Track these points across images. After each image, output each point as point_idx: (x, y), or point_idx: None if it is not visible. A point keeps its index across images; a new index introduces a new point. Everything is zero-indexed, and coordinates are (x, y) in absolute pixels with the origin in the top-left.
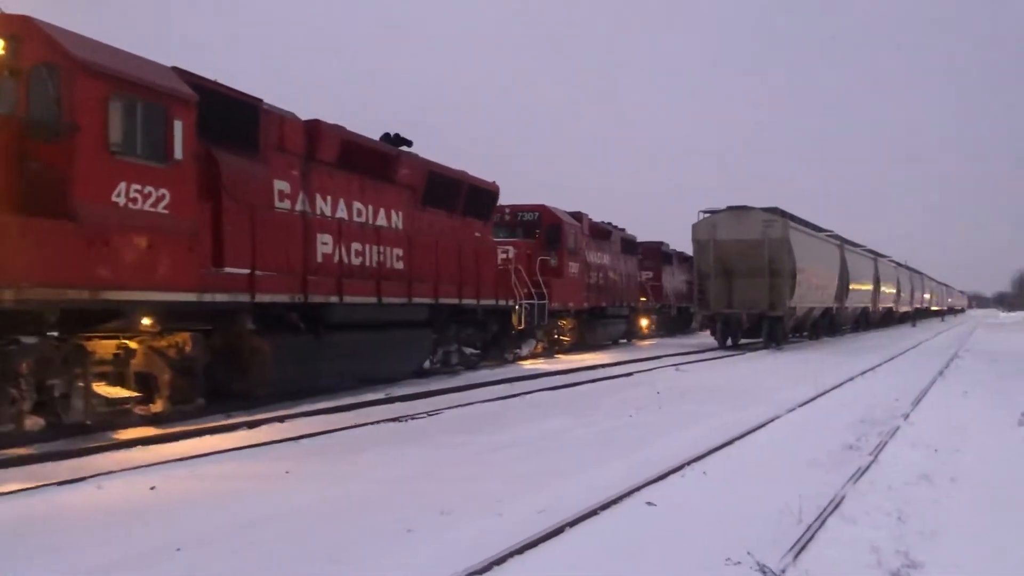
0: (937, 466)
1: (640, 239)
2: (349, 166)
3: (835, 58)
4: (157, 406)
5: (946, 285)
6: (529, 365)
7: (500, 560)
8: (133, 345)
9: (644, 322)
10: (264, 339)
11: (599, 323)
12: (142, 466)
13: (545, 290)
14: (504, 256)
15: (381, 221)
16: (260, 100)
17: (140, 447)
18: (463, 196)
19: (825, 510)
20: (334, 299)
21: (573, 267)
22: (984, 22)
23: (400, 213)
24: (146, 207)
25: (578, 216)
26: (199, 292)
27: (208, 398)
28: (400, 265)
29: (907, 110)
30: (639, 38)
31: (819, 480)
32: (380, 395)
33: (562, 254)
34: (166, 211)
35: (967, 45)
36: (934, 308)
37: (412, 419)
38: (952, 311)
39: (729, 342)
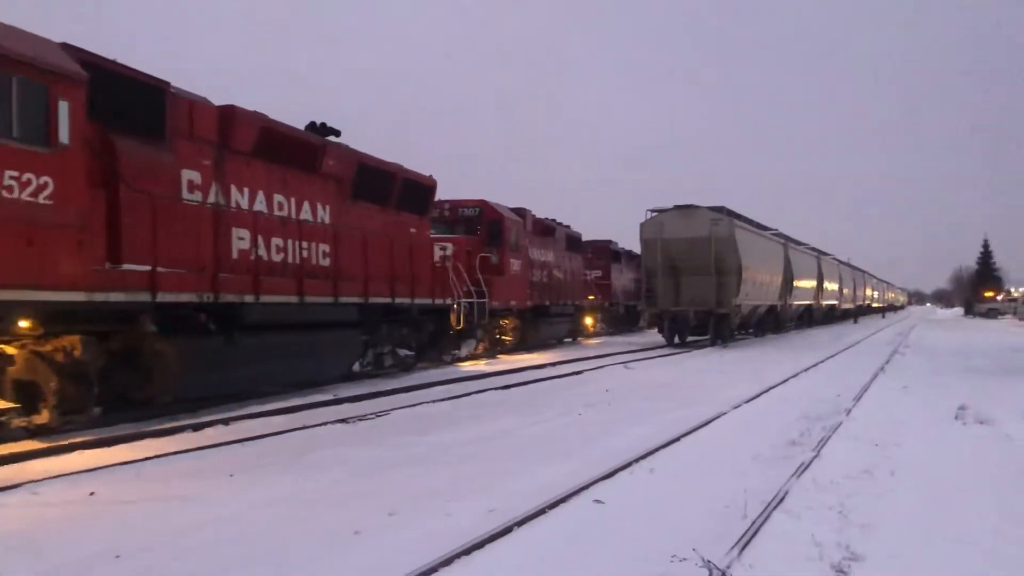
0: (878, 460)
1: (589, 238)
2: (269, 156)
3: (782, 61)
4: (42, 417)
5: (887, 282)
6: (470, 366)
7: (447, 561)
8: (11, 350)
9: (589, 321)
10: (168, 342)
11: (543, 322)
12: (80, 471)
13: (486, 288)
14: (442, 253)
15: (305, 215)
16: (167, 83)
17: (79, 451)
18: (397, 190)
19: (769, 505)
20: (249, 298)
21: (515, 264)
22: (925, 23)
23: (327, 207)
24: (24, 196)
25: (521, 212)
26: (89, 291)
27: (112, 407)
28: (326, 262)
29: (849, 112)
30: (587, 37)
31: (763, 476)
32: (327, 396)
33: (504, 251)
34: (49, 201)
35: (910, 46)
36: (875, 305)
37: (360, 420)
38: (893, 308)
39: (677, 339)
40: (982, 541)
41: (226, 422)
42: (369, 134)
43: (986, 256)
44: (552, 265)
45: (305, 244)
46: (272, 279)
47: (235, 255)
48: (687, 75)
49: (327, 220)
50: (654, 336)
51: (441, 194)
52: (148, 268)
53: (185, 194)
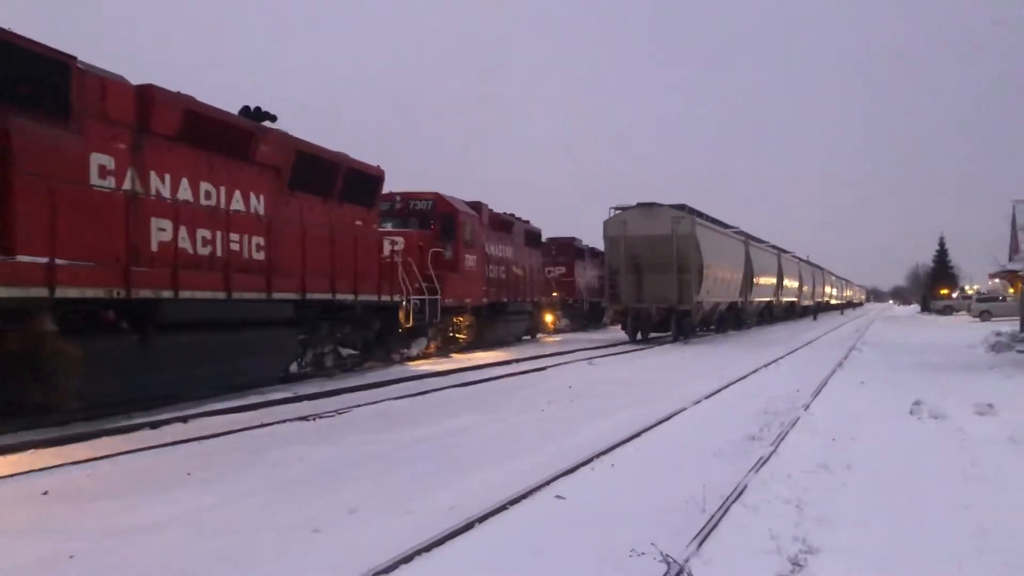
0: (834, 455)
1: (554, 235)
2: (196, 141)
3: (744, 60)
4: None
5: (846, 280)
6: (425, 365)
7: (407, 558)
8: None
9: (549, 318)
10: (72, 342)
11: (500, 320)
12: (34, 470)
13: (438, 284)
14: (392, 248)
15: (236, 205)
16: (72, 58)
17: (32, 451)
18: (340, 180)
19: (728, 499)
20: (168, 294)
21: (470, 260)
22: (891, 26)
23: (261, 197)
24: None
25: (477, 206)
26: None
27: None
28: (260, 256)
29: (810, 112)
30: (549, 35)
31: (723, 470)
32: (287, 394)
33: (458, 246)
34: None
35: (874, 47)
36: (834, 302)
37: (320, 417)
38: (851, 305)
39: (640, 336)
40: (934, 532)
41: (184, 420)
42: (334, 131)
43: (942, 255)
44: (510, 261)
45: (236, 236)
46: (196, 273)
47: (155, 247)
48: (651, 75)
49: (261, 211)
50: (617, 333)
51: (402, 188)
52: (45, 260)
53: (95, 180)
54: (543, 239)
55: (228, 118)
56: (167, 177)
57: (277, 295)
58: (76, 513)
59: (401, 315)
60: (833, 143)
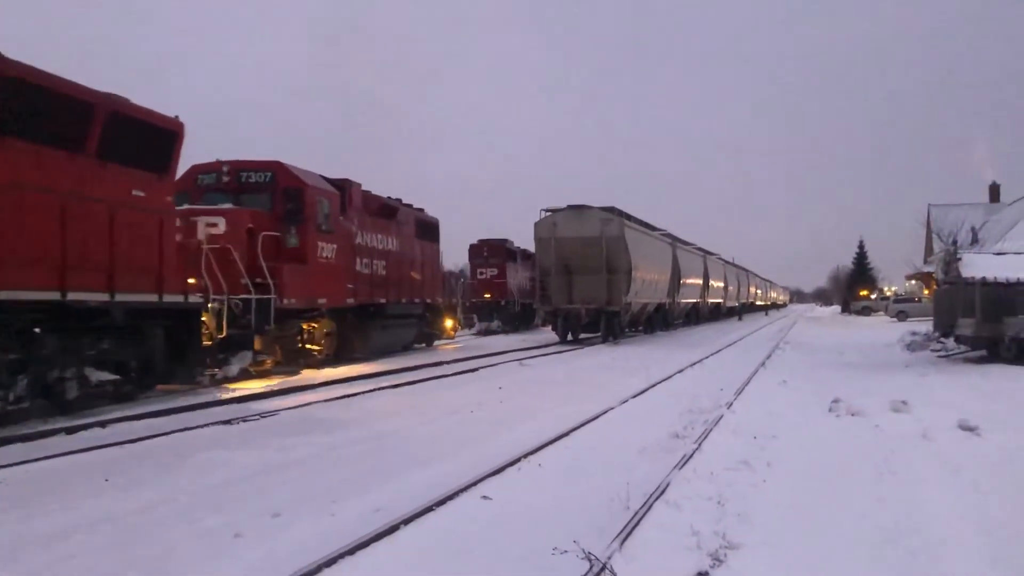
0: (756, 452)
1: (485, 236)
2: None
3: (670, 63)
4: None
5: (770, 281)
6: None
7: (330, 561)
8: None
9: (449, 323)
10: None
11: (375, 325)
12: None
13: (273, 280)
14: (214, 231)
15: None
16: None
17: None
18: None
19: (651, 497)
20: None
21: (327, 249)
22: (808, 29)
23: None
24: None
25: (342, 184)
26: None
27: None
28: None
29: (730, 114)
30: (474, 33)
31: (647, 468)
32: (211, 397)
33: (307, 231)
34: None
35: (793, 50)
36: (759, 303)
37: (244, 421)
38: (775, 306)
39: (569, 337)
40: (851, 526)
41: (103, 424)
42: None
43: (861, 257)
44: (393, 254)
45: None
46: None
47: None
48: (581, 75)
49: None
50: (548, 334)
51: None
52: None
53: None
54: (475, 240)
55: None
56: None
57: None
58: None
59: (209, 320)
60: (754, 146)
